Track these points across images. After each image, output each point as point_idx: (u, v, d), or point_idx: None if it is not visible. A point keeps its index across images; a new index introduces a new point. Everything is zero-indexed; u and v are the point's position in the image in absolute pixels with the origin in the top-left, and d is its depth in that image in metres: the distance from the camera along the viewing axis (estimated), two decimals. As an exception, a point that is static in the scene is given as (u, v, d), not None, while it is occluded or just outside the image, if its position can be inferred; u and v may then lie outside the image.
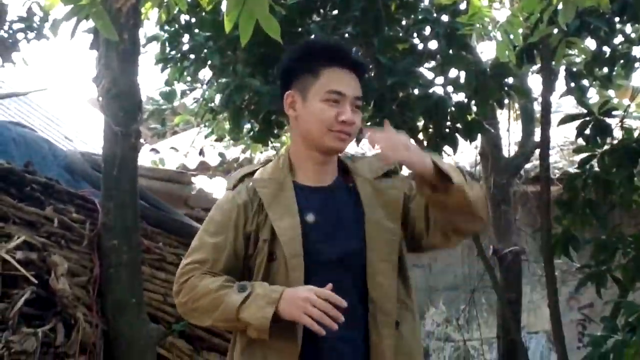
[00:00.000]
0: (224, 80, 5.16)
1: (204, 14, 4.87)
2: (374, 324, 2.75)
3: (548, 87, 5.17)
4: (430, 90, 4.88)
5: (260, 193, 2.83)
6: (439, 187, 2.68)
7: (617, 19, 4.68)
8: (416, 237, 2.89)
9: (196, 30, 5.08)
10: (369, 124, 4.84)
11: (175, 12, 4.89)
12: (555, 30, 4.48)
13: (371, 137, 2.69)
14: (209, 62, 5.13)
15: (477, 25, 4.27)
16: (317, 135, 2.82)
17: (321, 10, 4.92)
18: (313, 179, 2.87)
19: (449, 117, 4.92)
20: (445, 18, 4.82)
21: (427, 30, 4.88)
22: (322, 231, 2.80)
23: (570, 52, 5.11)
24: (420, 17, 4.88)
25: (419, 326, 2.91)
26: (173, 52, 5.24)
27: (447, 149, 4.99)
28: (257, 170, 2.94)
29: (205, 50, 5.05)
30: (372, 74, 4.88)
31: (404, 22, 4.96)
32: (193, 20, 5.12)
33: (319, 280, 2.70)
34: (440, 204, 2.75)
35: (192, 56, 5.16)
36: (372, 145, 2.69)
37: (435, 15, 4.82)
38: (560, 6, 3.72)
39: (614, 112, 4.97)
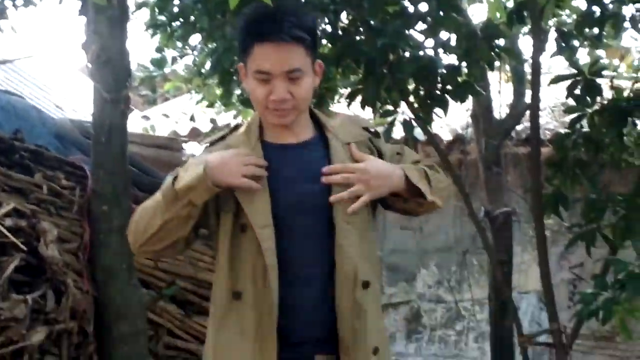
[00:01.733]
0: (213, 44, 5.12)
1: (192, -24, 4.81)
2: (337, 284, 2.67)
3: (538, 48, 5.14)
4: (421, 53, 4.86)
5: None
6: (411, 200, 2.76)
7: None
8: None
9: (185, -6, 5.03)
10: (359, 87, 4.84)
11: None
12: (546, -11, 4.48)
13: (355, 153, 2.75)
14: (198, 26, 5.07)
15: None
16: (258, 111, 2.74)
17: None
18: (282, 137, 2.76)
19: (439, 79, 4.89)
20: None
21: (417, -9, 4.85)
22: (291, 188, 2.70)
23: (560, 12, 5.09)
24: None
25: (379, 290, 2.82)
26: (162, 17, 5.19)
27: (437, 110, 4.98)
28: (226, 136, 2.84)
29: (194, 14, 5.01)
30: (363, 37, 4.87)
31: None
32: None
33: (291, 244, 2.67)
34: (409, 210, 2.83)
35: (180, 20, 5.11)
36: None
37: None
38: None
39: (604, 73, 4.96)
